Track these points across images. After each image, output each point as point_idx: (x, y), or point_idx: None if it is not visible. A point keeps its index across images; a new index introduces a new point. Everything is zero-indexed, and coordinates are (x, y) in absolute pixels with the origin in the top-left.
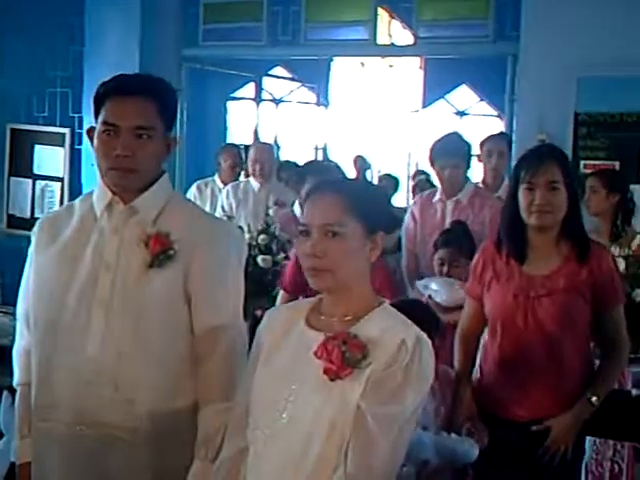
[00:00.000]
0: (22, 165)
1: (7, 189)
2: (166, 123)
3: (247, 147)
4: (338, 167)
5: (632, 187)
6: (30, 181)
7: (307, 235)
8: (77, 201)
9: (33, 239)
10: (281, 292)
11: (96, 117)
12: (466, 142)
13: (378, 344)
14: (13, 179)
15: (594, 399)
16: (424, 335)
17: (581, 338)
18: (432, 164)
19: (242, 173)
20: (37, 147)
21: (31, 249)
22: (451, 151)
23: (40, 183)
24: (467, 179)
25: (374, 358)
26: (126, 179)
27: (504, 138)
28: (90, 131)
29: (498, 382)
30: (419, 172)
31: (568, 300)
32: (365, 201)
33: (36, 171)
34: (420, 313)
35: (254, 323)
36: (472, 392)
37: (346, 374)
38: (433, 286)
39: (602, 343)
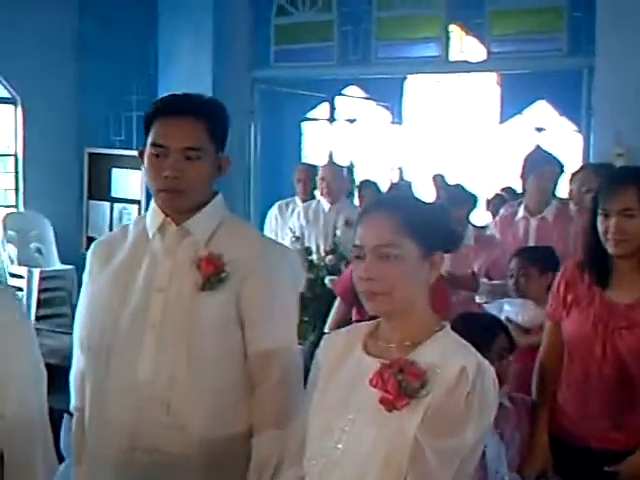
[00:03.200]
0: (100, 188)
1: (86, 212)
2: (217, 143)
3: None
4: (410, 187)
5: None
6: (108, 204)
7: (361, 258)
8: (131, 223)
9: (87, 263)
10: (337, 301)
11: (146, 138)
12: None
13: (437, 372)
14: (91, 202)
15: None
16: (486, 362)
17: None
18: (524, 177)
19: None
20: (114, 170)
21: (85, 273)
22: (549, 163)
23: (118, 206)
24: (554, 196)
25: (433, 387)
26: (175, 200)
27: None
28: (142, 152)
29: (570, 411)
30: (505, 189)
31: None
32: (420, 220)
33: (113, 194)
34: (481, 325)
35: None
36: (548, 422)
37: (403, 405)
38: (507, 307)
39: None
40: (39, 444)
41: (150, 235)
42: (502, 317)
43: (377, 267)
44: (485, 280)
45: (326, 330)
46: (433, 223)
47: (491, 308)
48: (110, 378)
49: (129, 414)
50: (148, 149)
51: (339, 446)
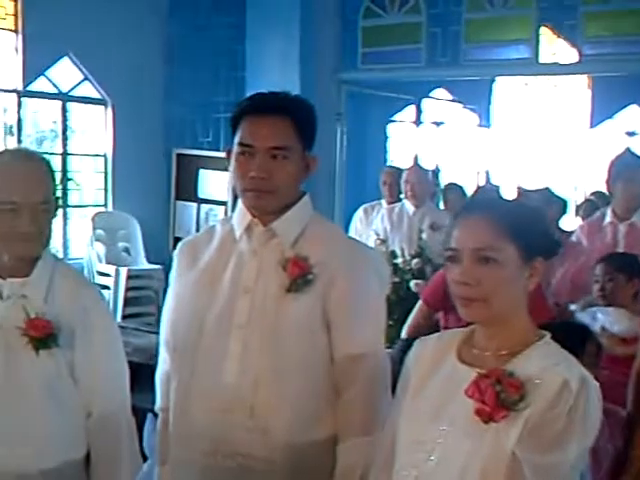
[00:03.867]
0: (187, 189)
1: (173, 213)
2: (304, 142)
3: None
4: (498, 191)
5: None
6: (195, 205)
7: (456, 261)
8: (217, 224)
9: (174, 263)
10: (419, 303)
11: (234, 137)
12: None
13: (537, 384)
14: (179, 203)
15: None
16: (590, 376)
17: None
18: (610, 183)
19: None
20: (201, 171)
21: (172, 273)
22: (639, 167)
23: (204, 207)
24: None
25: (533, 400)
26: (262, 201)
27: None
28: (229, 152)
29: None
30: (595, 193)
31: None
32: (521, 223)
33: (200, 195)
34: (570, 333)
35: (403, 351)
36: None
37: (501, 417)
38: (600, 315)
39: None
40: (125, 442)
41: (237, 236)
42: (596, 326)
43: (474, 271)
44: (573, 307)
45: (403, 334)
46: (533, 227)
47: (584, 317)
48: (195, 379)
49: (213, 416)
50: (235, 148)
51: (432, 458)
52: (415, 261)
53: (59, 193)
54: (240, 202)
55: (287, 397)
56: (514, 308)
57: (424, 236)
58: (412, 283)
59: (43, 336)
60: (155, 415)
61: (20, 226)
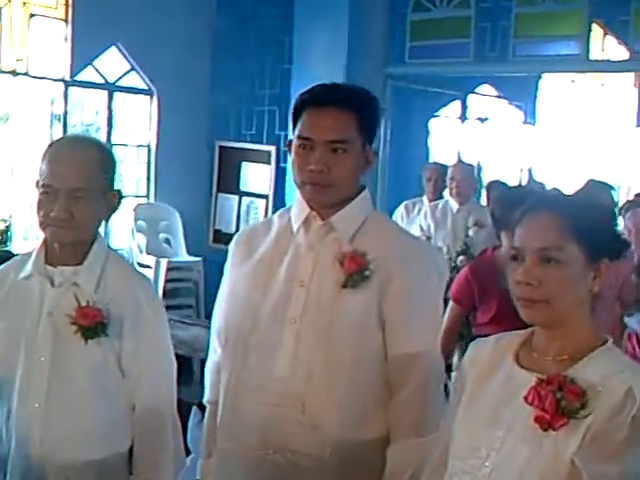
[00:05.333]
0: (229, 182)
1: (214, 205)
2: (365, 136)
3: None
4: (543, 188)
5: None
6: (236, 197)
7: (519, 260)
8: (275, 216)
9: (229, 254)
10: (450, 303)
11: (294, 129)
12: None
13: (600, 392)
14: (220, 195)
15: None
16: None
17: None
18: None
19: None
20: (244, 164)
21: (227, 264)
22: None
23: (245, 200)
24: None
25: (594, 408)
26: (321, 194)
27: None
28: (289, 145)
29: None
30: (638, 195)
31: None
32: (587, 222)
33: (242, 188)
34: None
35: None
36: None
37: (561, 424)
38: None
39: None
40: (169, 436)
41: (294, 229)
42: None
43: (538, 272)
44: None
45: (439, 335)
46: (601, 227)
47: (631, 322)
48: (247, 372)
49: (264, 410)
50: (295, 141)
51: (486, 464)
52: (460, 258)
53: None
54: (299, 195)
55: (338, 393)
56: (576, 310)
57: (471, 233)
58: None
59: (93, 325)
60: (200, 408)
61: (54, 210)
